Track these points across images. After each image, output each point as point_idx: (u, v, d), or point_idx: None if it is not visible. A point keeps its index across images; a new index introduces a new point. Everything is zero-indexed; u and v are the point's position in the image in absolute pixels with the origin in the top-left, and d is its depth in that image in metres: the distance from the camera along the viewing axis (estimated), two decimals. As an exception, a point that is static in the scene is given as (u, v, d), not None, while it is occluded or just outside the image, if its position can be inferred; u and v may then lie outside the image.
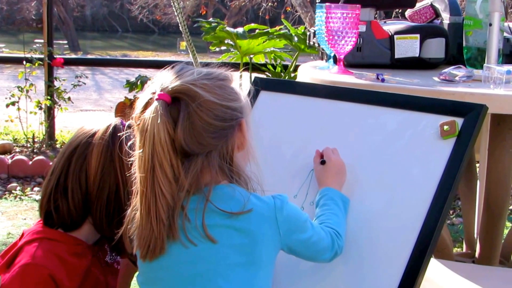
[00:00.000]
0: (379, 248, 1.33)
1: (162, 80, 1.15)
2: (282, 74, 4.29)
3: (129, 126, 1.37)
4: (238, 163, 1.19)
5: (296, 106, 1.60)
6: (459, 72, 1.81)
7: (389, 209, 1.36)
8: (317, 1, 2.08)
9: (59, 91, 4.76)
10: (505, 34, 2.00)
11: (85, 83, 5.06)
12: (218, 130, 1.14)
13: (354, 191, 1.41)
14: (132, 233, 1.16)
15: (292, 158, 1.54)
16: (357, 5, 1.86)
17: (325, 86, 1.69)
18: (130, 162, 1.19)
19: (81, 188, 1.34)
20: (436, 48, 2.06)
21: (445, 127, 1.34)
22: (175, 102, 1.12)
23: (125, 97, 4.67)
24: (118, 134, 1.36)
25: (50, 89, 4.77)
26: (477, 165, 2.48)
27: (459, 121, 1.34)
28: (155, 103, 1.11)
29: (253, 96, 1.57)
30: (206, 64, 1.21)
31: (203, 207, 1.12)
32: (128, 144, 1.21)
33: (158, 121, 1.09)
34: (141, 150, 1.12)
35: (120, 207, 1.32)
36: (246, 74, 4.09)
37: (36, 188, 4.01)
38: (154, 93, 1.14)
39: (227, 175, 1.17)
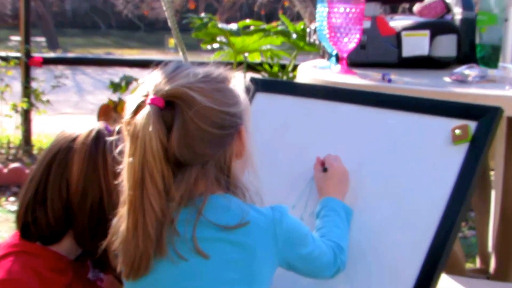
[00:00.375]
0: (385, 263, 1.34)
1: (155, 81, 1.14)
2: (280, 74, 4.30)
3: (114, 131, 1.37)
4: (236, 173, 1.19)
5: (295, 108, 1.61)
6: (472, 72, 1.81)
7: (396, 221, 1.36)
8: (317, -6, 2.10)
9: (37, 92, 4.76)
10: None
11: (65, 84, 5.06)
12: (215, 138, 1.14)
13: (358, 201, 1.42)
14: (117, 247, 1.16)
15: (290, 165, 1.54)
16: (362, -1, 1.89)
17: (327, 87, 1.70)
18: (115, 170, 1.19)
19: (61, 198, 1.34)
20: (447, 45, 2.06)
21: (457, 132, 1.35)
22: (168, 107, 1.11)
23: (109, 99, 4.67)
24: (102, 139, 1.36)
25: (27, 91, 4.77)
26: (492, 173, 2.50)
27: (472, 125, 1.34)
28: (147, 108, 1.11)
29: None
30: (199, 64, 1.21)
31: (194, 219, 1.12)
32: (117, 150, 1.20)
33: (150, 129, 1.09)
34: (131, 158, 1.11)
35: (104, 219, 1.31)
36: (240, 74, 4.08)
37: (11, 198, 4.00)
38: (146, 95, 1.13)
39: (223, 186, 1.17)
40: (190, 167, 1.12)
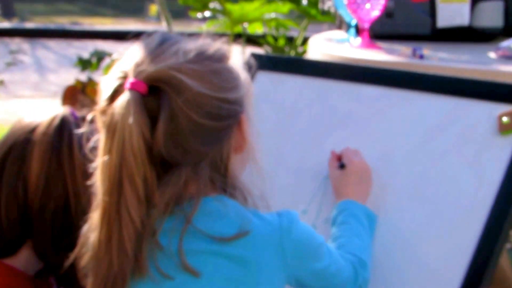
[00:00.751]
0: (416, 281, 1.35)
1: (135, 60, 1.12)
2: (286, 49, 4.30)
3: (83, 119, 1.35)
4: (235, 171, 1.19)
5: (305, 92, 1.61)
6: (522, 46, 1.84)
7: (430, 229, 1.37)
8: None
9: (-12, 71, 4.76)
10: None
11: (22, 61, 5.05)
12: (210, 132, 1.13)
13: (383, 205, 1.43)
14: (86, 264, 1.15)
15: (300, 161, 1.55)
16: (387, -43, 1.90)
17: (344, 65, 1.71)
18: (85, 167, 1.19)
19: (18, 202, 1.33)
20: (492, 14, 2.06)
21: (505, 120, 1.35)
22: (153, 93, 1.10)
23: (76, 79, 4.67)
24: (67, 129, 1.36)
25: (-24, 69, 4.77)
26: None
27: (524, 111, 1.37)
28: (126, 94, 1.09)
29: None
30: (188, 36, 1.18)
31: (181, 229, 1.11)
32: (89, 145, 1.20)
33: (130, 121, 1.07)
34: (107, 157, 1.10)
35: (70, 227, 1.31)
36: (238, 49, 4.08)
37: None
38: (124, 78, 1.12)
39: (218, 187, 1.17)
40: (179, 168, 1.12)
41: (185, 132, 1.11)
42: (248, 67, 1.26)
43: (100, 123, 1.14)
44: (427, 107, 1.46)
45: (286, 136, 1.59)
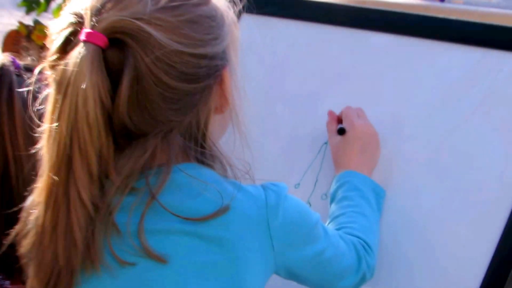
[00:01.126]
0: (432, 269, 1.36)
1: (91, 3, 1.08)
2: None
3: (28, 70, 1.35)
4: (213, 136, 1.18)
5: (300, 39, 1.61)
6: None
7: (450, 208, 1.38)
8: None
9: None
10: None
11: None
12: (185, 97, 1.11)
13: (393, 177, 1.43)
14: (27, 251, 1.13)
15: (293, 125, 1.56)
16: None
17: (348, 7, 1.68)
18: (29, 129, 1.18)
19: None
20: None
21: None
22: (115, 48, 1.07)
23: (19, 22, 4.63)
24: (7, 79, 1.34)
25: None
26: None
27: None
28: (81, 47, 1.06)
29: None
30: None
31: (145, 203, 1.10)
32: (37, 103, 1.17)
33: (85, 83, 1.05)
34: (56, 123, 1.08)
35: (9, 201, 1.30)
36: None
37: None
38: (79, 25, 1.08)
39: (193, 157, 1.16)
40: (144, 140, 1.11)
41: (154, 98, 1.09)
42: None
43: (50, 79, 1.11)
44: (448, 59, 1.46)
45: (275, 95, 1.60)
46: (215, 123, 1.18)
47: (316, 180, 1.49)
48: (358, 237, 1.31)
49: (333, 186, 1.41)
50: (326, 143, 1.49)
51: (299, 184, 1.49)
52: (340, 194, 1.39)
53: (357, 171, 1.41)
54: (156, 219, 1.10)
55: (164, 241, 1.10)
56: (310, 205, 1.46)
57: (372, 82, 1.52)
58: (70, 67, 1.05)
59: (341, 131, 1.46)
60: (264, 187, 1.17)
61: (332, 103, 1.52)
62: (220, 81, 1.16)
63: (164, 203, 1.10)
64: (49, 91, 1.11)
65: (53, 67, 1.09)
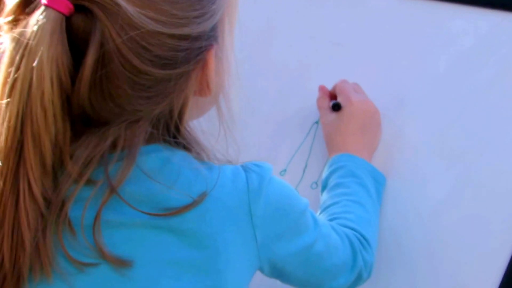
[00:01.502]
0: (437, 272, 1.39)
1: None
2: None
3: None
4: (190, 118, 1.17)
5: (286, 1, 1.64)
6: None
7: (461, 200, 1.39)
8: None
9: None
10: None
11: None
12: (158, 83, 1.09)
13: (396, 162, 1.46)
14: None
15: (278, 103, 1.58)
16: None
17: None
18: None
19: None
20: None
21: None
22: (80, 16, 1.04)
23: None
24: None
25: None
26: None
27: None
28: (41, 13, 1.03)
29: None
30: None
31: (103, 195, 1.08)
32: None
33: (43, 56, 1.03)
34: (6, 100, 1.05)
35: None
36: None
37: None
38: None
39: (163, 140, 1.15)
40: (105, 129, 1.10)
41: (120, 83, 1.06)
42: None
43: (3, 44, 1.07)
44: (460, 24, 1.47)
45: (258, 67, 1.60)
46: (192, 105, 1.17)
47: (305, 166, 1.51)
48: (353, 229, 1.32)
49: (326, 172, 1.41)
50: (317, 122, 1.51)
51: (285, 170, 1.51)
52: (333, 180, 1.40)
53: (354, 154, 1.42)
54: (119, 209, 1.10)
55: (129, 236, 1.10)
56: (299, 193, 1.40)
57: (371, 52, 1.53)
58: (26, 36, 1.04)
59: (336, 107, 1.46)
60: (245, 168, 1.17)
61: (323, 77, 1.52)
62: (203, 65, 1.13)
63: (128, 194, 1.09)
64: (3, 59, 1.08)
65: (9, 29, 1.06)
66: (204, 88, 1.16)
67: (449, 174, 1.41)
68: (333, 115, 1.48)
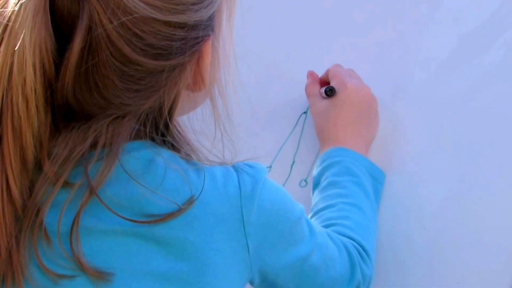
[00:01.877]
0: (441, 277, 1.35)
1: None
2: None
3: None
4: (179, 116, 1.16)
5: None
6: None
7: (468, 198, 1.34)
8: None
9: None
10: None
11: None
12: (149, 75, 1.08)
13: (394, 157, 1.42)
14: None
15: (261, 89, 1.54)
16: None
17: None
18: None
19: None
20: None
21: None
22: (69, 1, 1.04)
23: None
24: None
25: None
26: None
27: None
28: None
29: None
30: None
31: (82, 198, 1.06)
32: None
33: (25, 40, 1.01)
34: None
35: None
36: None
37: None
38: None
39: (149, 137, 1.14)
40: (90, 123, 1.09)
41: (108, 73, 1.05)
42: None
43: None
44: (466, 1, 1.43)
45: (239, 52, 1.46)
46: (183, 99, 1.15)
47: (293, 162, 1.47)
48: (352, 238, 1.29)
49: (317, 168, 1.38)
50: (305, 112, 1.48)
51: (270, 167, 1.48)
52: (326, 178, 1.36)
53: (349, 147, 1.38)
54: (99, 214, 1.08)
55: (109, 245, 1.09)
56: (287, 193, 1.39)
57: (366, 31, 1.49)
58: (6, 17, 1.03)
59: (330, 92, 1.41)
60: (236, 169, 1.14)
61: (312, 62, 1.49)
62: (199, 57, 1.12)
63: (108, 198, 1.07)
64: None
65: None
66: (198, 82, 1.14)
67: (454, 170, 1.38)
68: (325, 103, 1.44)
